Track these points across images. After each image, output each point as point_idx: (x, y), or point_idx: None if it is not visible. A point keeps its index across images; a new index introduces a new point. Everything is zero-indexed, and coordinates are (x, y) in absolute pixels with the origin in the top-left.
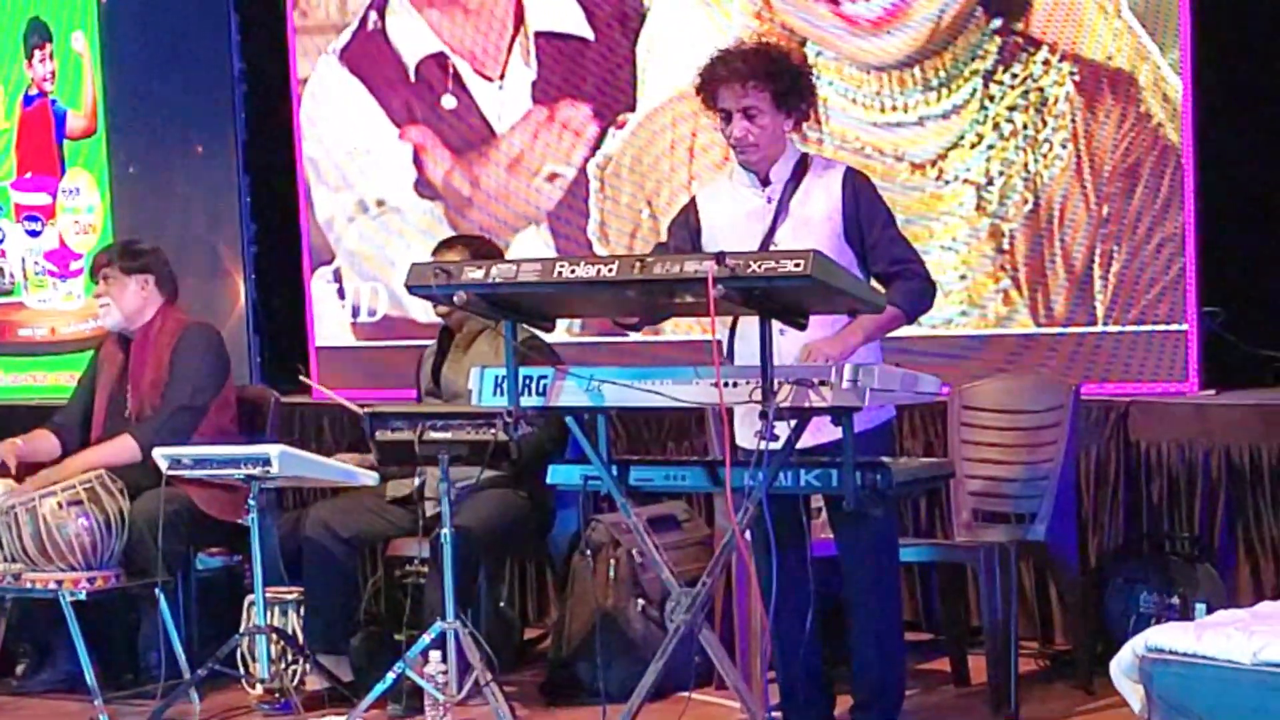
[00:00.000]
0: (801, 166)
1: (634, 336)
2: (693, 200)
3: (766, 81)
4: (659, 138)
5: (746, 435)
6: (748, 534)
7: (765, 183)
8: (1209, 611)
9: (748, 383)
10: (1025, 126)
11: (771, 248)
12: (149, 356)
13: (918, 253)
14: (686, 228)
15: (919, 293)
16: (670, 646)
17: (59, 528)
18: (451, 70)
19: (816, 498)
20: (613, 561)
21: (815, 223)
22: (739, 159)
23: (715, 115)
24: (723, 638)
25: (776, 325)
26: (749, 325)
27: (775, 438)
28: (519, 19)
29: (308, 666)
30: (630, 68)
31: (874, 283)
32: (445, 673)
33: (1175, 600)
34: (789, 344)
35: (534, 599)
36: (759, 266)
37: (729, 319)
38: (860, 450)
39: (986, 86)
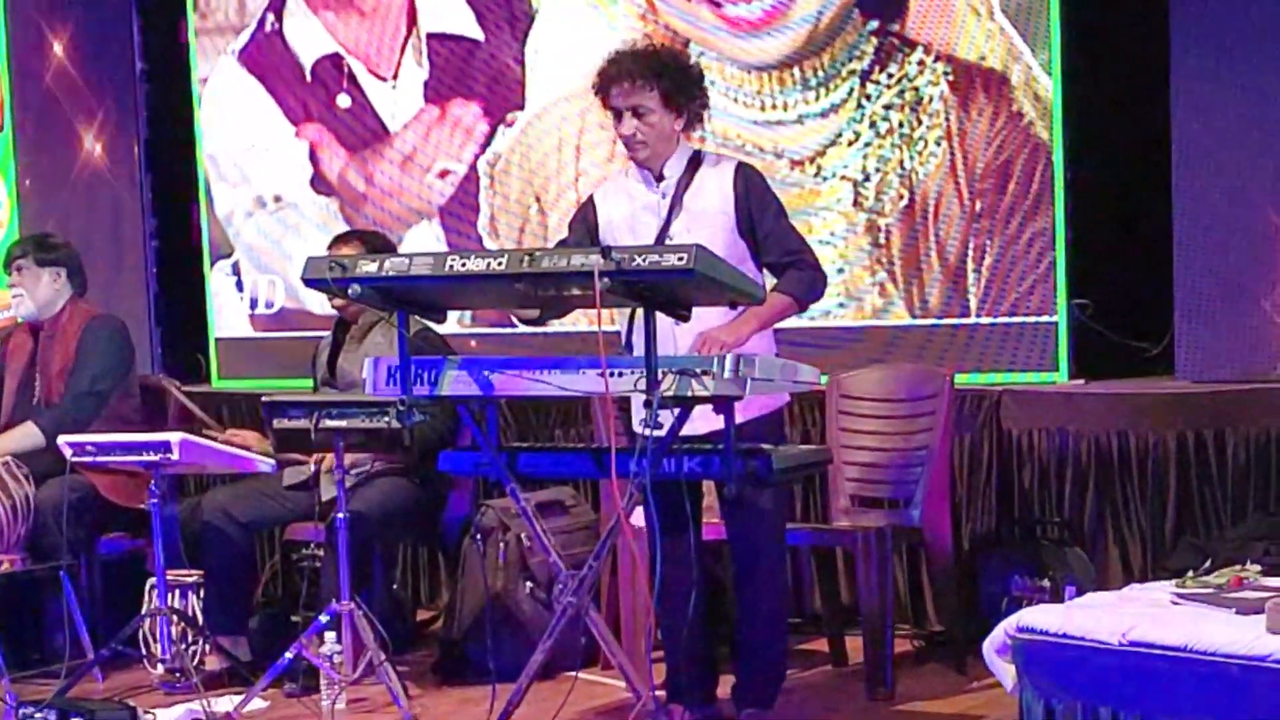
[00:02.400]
0: (694, 162)
1: (523, 327)
2: (590, 198)
3: (654, 80)
4: (547, 136)
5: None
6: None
7: (659, 179)
8: (1078, 594)
9: (633, 372)
10: (901, 124)
11: (666, 241)
12: (57, 346)
13: (809, 244)
14: (585, 223)
15: (810, 282)
16: (558, 627)
17: None
18: (346, 70)
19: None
20: (502, 545)
21: (709, 216)
22: (630, 156)
23: (610, 114)
24: (609, 619)
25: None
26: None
27: (659, 426)
28: (411, 20)
29: (207, 647)
30: (519, 68)
31: (766, 273)
32: (340, 653)
33: (1046, 583)
34: (685, 333)
35: (426, 581)
36: (643, 260)
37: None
38: (753, 437)
39: (863, 86)
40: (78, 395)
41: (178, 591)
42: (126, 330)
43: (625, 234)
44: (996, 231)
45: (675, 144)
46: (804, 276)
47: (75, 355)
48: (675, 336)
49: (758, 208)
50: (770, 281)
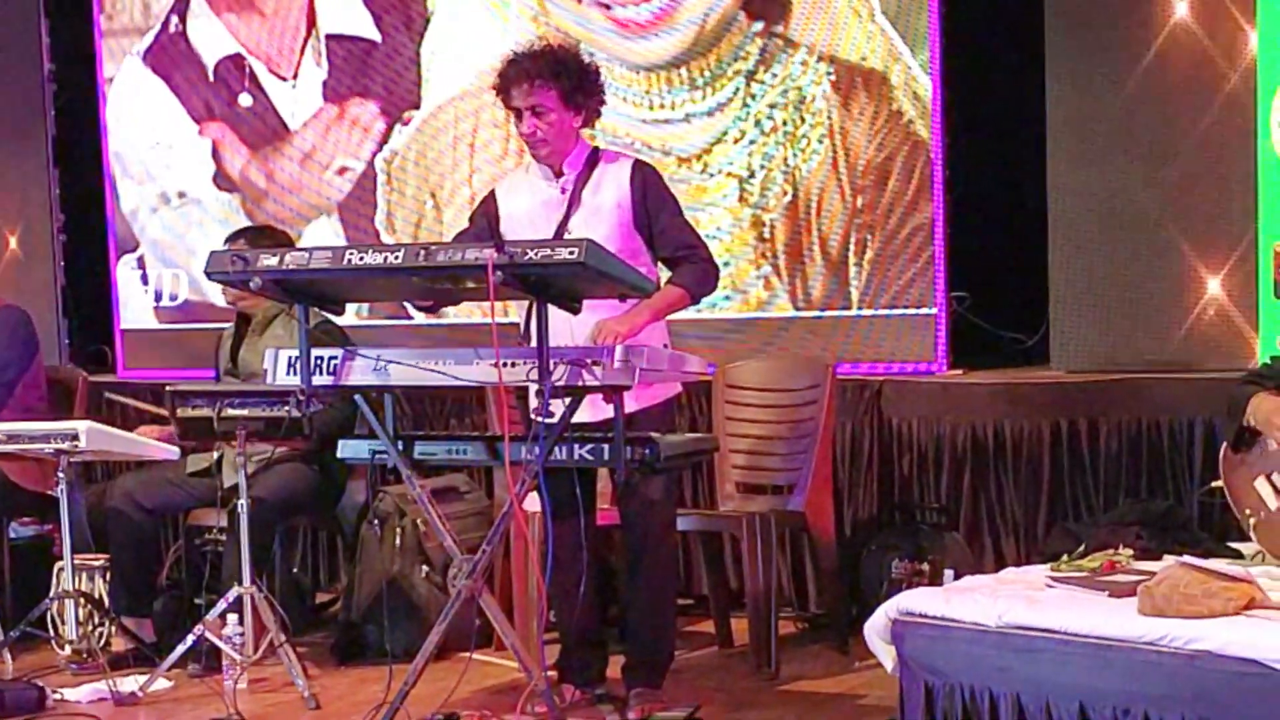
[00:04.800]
0: (593, 159)
1: (420, 319)
2: (492, 193)
3: (553, 80)
4: (442, 134)
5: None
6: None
7: (559, 175)
8: (957, 577)
9: (526, 362)
10: (785, 123)
11: (566, 235)
12: None
13: (702, 239)
14: (486, 216)
15: (703, 275)
16: (452, 609)
17: None
18: (248, 70)
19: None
20: (399, 530)
21: (606, 211)
22: (531, 154)
23: (510, 113)
24: (502, 602)
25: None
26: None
27: (551, 415)
28: (311, 22)
29: (113, 629)
30: (415, 68)
31: (661, 266)
32: (242, 634)
33: (925, 566)
34: (581, 324)
35: (325, 565)
36: (535, 254)
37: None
38: (645, 425)
39: (748, 85)
40: None
41: (85, 575)
42: (30, 321)
43: (525, 227)
44: (877, 226)
45: (575, 141)
46: (697, 270)
47: None
48: (573, 328)
49: (654, 204)
50: (666, 275)
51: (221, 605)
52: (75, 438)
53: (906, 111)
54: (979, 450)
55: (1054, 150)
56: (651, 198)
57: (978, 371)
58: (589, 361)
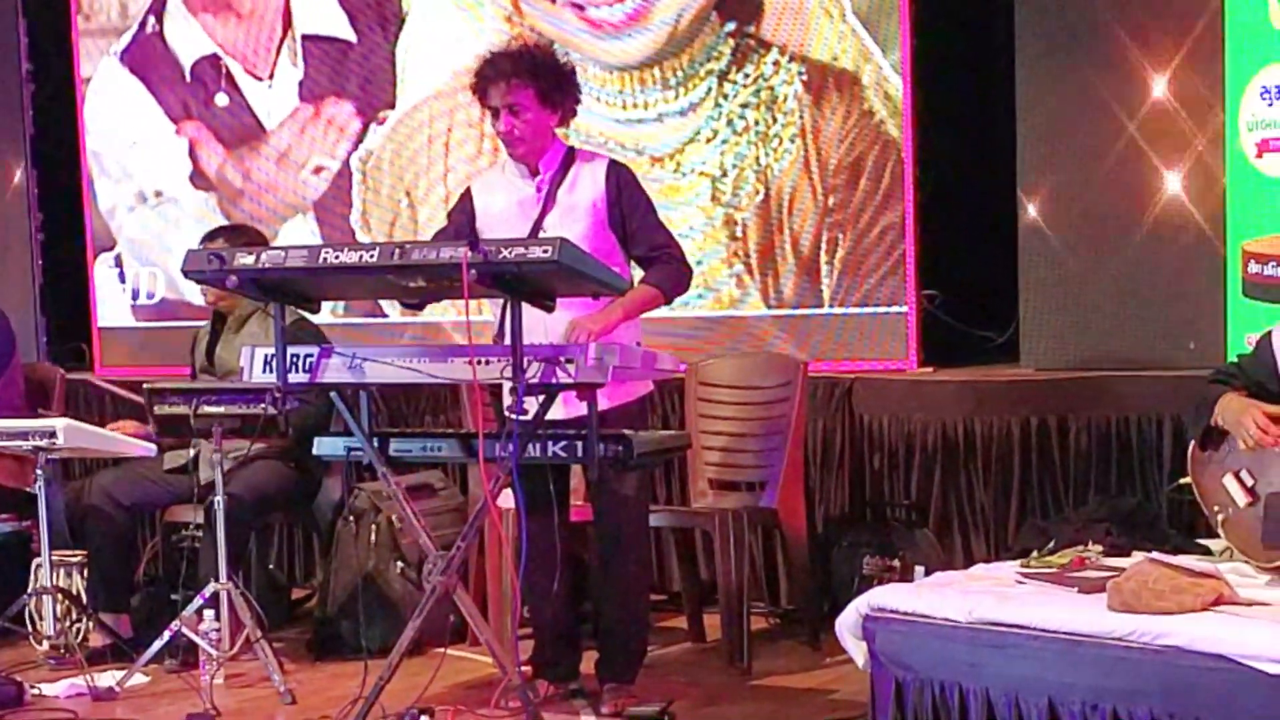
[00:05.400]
0: (568, 159)
1: (395, 317)
2: (468, 190)
3: (530, 80)
4: (417, 133)
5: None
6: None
7: (534, 174)
8: (927, 573)
9: (500, 360)
10: (757, 123)
11: (541, 234)
12: None
13: (675, 239)
14: (463, 214)
15: (676, 275)
16: (427, 605)
17: None
18: (224, 70)
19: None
20: (374, 526)
21: (580, 210)
22: (508, 152)
23: (487, 112)
24: (476, 598)
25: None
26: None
27: (525, 412)
28: (287, 22)
29: (91, 624)
30: (390, 68)
31: (635, 266)
32: (218, 630)
33: (896, 563)
34: (555, 322)
35: (301, 561)
36: (509, 253)
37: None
38: (618, 423)
39: (721, 85)
40: None
41: (62, 571)
42: (7, 320)
43: (500, 225)
44: (848, 225)
45: (551, 140)
46: (670, 269)
47: None
48: (547, 326)
49: (628, 204)
50: (639, 274)
51: (198, 601)
52: (53, 435)
53: (878, 111)
54: (949, 447)
55: (1023, 150)
56: (626, 197)
57: (948, 369)
58: (562, 359)
